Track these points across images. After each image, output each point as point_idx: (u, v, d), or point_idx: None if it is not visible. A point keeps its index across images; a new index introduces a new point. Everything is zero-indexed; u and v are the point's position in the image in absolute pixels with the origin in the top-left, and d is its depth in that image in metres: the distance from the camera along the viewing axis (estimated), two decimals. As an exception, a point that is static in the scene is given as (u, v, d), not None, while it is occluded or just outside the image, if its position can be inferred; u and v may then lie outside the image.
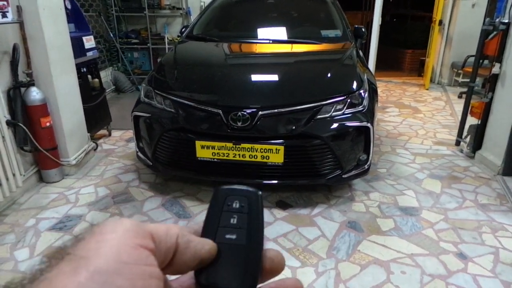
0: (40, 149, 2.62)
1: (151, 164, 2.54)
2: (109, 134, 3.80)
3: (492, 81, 3.02)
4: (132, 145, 3.42)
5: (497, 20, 2.92)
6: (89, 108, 3.31)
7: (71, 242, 0.25)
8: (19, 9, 2.44)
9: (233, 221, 0.32)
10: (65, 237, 2.15)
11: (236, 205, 0.33)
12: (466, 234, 2.20)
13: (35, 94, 2.53)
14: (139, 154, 2.64)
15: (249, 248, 0.31)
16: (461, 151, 3.40)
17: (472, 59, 3.43)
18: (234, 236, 0.31)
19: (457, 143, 3.54)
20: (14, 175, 2.39)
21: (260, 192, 0.33)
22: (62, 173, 2.85)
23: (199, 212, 2.42)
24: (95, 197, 2.60)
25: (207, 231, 0.32)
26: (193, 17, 5.45)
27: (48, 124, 2.63)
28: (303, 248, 2.07)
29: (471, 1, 5.79)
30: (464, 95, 3.97)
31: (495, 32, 2.96)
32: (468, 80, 3.69)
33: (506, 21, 2.83)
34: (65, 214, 2.38)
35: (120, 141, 3.65)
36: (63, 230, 2.22)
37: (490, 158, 3.03)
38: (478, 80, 3.32)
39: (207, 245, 0.30)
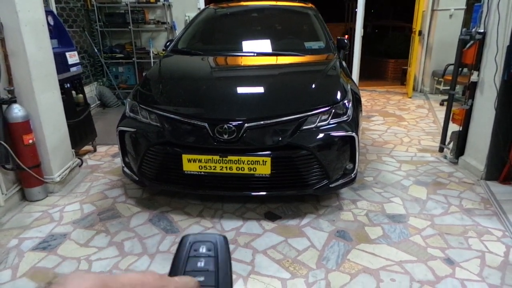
0: (22, 167, 2.57)
1: (137, 179, 2.52)
2: (94, 150, 3.75)
3: (471, 89, 3.11)
4: (118, 160, 3.38)
5: (473, 30, 3.02)
6: (73, 124, 3.26)
7: None
8: (0, 26, 2.41)
9: (200, 264, 0.31)
10: (49, 257, 2.09)
11: (202, 249, 0.32)
12: (453, 239, 2.23)
13: (17, 111, 2.49)
14: (125, 169, 2.61)
15: None
16: (445, 157, 3.47)
17: (451, 68, 3.53)
18: (202, 279, 0.30)
19: (441, 150, 3.61)
20: (-5, 194, 2.33)
21: (226, 237, 0.33)
22: (46, 190, 2.79)
23: (187, 227, 2.39)
24: (80, 214, 2.55)
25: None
26: (178, 31, 5.48)
27: (30, 141, 2.58)
28: (293, 259, 2.06)
29: (449, 12, 5.99)
30: (445, 103, 4.07)
31: (472, 42, 3.05)
32: (448, 88, 3.79)
33: (482, 30, 2.93)
34: (49, 233, 2.32)
35: (106, 157, 3.60)
36: (47, 249, 2.16)
37: (473, 163, 3.10)
38: (458, 88, 3.43)
39: (190, 283, 0.28)
